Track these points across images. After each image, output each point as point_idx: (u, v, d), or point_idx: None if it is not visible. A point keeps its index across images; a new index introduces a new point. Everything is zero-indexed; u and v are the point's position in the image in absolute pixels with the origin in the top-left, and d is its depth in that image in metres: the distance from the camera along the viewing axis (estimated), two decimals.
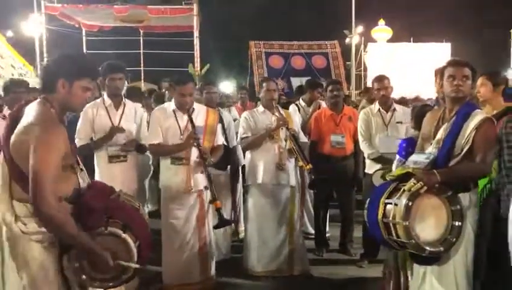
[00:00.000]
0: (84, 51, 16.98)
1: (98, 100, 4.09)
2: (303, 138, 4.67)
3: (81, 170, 2.34)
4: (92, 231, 2.15)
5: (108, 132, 3.91)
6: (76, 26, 15.81)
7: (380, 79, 4.71)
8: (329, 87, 5.08)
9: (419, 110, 3.90)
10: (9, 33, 18.28)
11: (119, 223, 2.21)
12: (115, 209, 2.26)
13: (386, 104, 4.62)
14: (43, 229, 2.12)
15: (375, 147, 4.51)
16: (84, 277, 2.17)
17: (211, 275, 4.09)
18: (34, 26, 15.03)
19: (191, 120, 3.90)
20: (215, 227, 3.98)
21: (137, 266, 2.21)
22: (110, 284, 2.25)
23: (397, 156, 3.69)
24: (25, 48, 14.42)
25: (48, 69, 2.35)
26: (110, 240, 2.17)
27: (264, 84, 4.54)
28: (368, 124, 4.62)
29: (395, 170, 3.04)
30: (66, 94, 2.26)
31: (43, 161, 2.06)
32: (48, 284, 2.17)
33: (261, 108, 4.59)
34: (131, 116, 4.10)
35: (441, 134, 2.87)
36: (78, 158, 2.38)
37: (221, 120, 4.90)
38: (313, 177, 4.46)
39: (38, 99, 2.28)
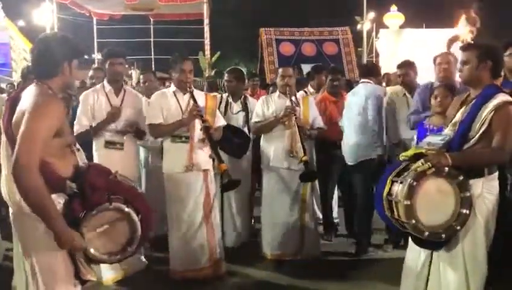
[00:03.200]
0: (95, 39, 17.06)
1: (98, 86, 4.10)
2: (320, 124, 4.65)
3: (78, 150, 2.40)
4: (97, 208, 2.23)
5: (107, 114, 3.92)
6: (87, 14, 15.83)
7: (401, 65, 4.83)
8: (330, 76, 5.14)
9: None
10: (21, 22, 18.40)
11: (121, 199, 2.32)
12: (115, 186, 2.36)
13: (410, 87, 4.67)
14: None
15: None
16: (92, 250, 2.24)
17: (219, 261, 4.11)
18: (45, 15, 15.09)
19: (192, 97, 3.91)
20: (224, 188, 3.89)
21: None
22: (118, 257, 2.34)
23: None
24: (36, 37, 14.53)
25: (49, 53, 2.32)
26: (116, 214, 2.29)
27: (280, 70, 4.56)
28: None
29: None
30: (68, 76, 2.34)
31: (33, 127, 2.10)
32: (54, 260, 2.23)
33: (277, 93, 4.60)
34: (132, 103, 4.10)
35: (458, 116, 2.80)
36: (74, 138, 2.44)
37: (245, 108, 4.92)
38: (305, 169, 4.29)
39: (35, 83, 2.31)
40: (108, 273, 3.92)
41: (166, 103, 4.02)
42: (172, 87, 4.10)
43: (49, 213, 2.11)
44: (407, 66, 4.76)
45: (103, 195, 2.26)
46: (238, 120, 4.86)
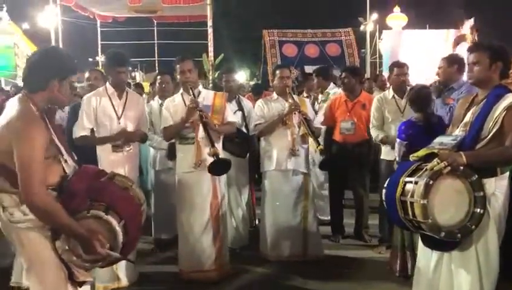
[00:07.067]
0: (99, 41, 17.13)
1: (101, 89, 4.06)
2: (317, 124, 4.71)
3: (65, 161, 2.37)
4: (75, 215, 2.21)
5: (116, 134, 3.89)
6: (91, 17, 15.89)
7: (400, 65, 4.68)
8: (342, 74, 5.15)
9: (418, 91, 3.87)
10: (26, 25, 18.48)
11: (103, 205, 2.28)
12: (98, 191, 2.32)
13: (401, 90, 4.60)
14: (29, 217, 2.18)
15: (389, 133, 4.48)
16: (74, 258, 2.24)
17: (226, 262, 4.14)
18: (49, 18, 15.14)
19: (193, 94, 3.93)
20: (212, 169, 3.81)
21: (116, 255, 2.28)
22: (100, 263, 2.32)
23: (397, 139, 3.77)
24: (41, 40, 14.57)
25: (39, 68, 2.32)
26: (94, 222, 2.25)
27: (277, 72, 4.58)
28: (381, 112, 4.60)
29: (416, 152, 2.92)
30: (57, 93, 2.33)
31: (28, 154, 2.13)
32: (45, 266, 2.24)
33: (274, 95, 4.63)
34: (134, 106, 4.07)
35: (469, 117, 2.80)
36: (62, 148, 2.38)
37: (241, 108, 4.96)
38: (324, 157, 4.39)
39: (20, 95, 2.32)
40: (102, 284, 3.87)
41: (175, 106, 4.10)
42: (181, 90, 4.17)
43: (69, 227, 2.17)
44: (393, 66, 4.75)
45: (83, 202, 2.25)
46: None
